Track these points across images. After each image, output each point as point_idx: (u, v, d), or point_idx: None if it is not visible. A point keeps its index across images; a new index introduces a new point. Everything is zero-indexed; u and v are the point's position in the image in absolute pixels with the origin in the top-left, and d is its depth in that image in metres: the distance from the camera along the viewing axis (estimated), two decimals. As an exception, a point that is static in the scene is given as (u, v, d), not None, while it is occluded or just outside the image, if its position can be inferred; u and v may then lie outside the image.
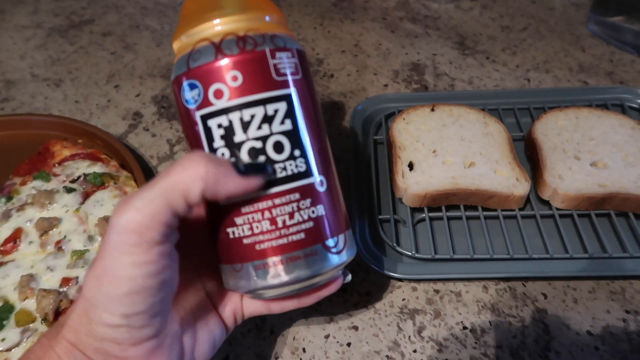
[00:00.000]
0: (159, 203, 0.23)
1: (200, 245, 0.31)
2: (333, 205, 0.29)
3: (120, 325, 0.24)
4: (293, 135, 0.28)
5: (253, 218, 0.27)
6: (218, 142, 0.27)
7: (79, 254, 0.42)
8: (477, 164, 0.46)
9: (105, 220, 0.43)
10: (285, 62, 0.28)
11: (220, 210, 0.28)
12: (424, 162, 0.46)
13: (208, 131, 0.27)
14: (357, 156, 0.50)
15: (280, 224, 0.27)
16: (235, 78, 0.26)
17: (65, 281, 0.40)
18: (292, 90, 0.28)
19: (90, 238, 0.43)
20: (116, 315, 0.23)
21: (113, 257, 0.23)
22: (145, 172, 0.48)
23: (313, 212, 0.28)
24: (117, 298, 0.23)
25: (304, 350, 0.38)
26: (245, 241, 0.27)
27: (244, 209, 0.27)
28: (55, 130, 0.54)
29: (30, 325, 0.38)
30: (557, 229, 0.44)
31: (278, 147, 0.27)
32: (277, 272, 0.27)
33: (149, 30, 0.74)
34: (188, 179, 0.23)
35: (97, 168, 0.48)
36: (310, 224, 0.28)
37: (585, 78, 0.60)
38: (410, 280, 0.42)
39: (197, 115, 0.27)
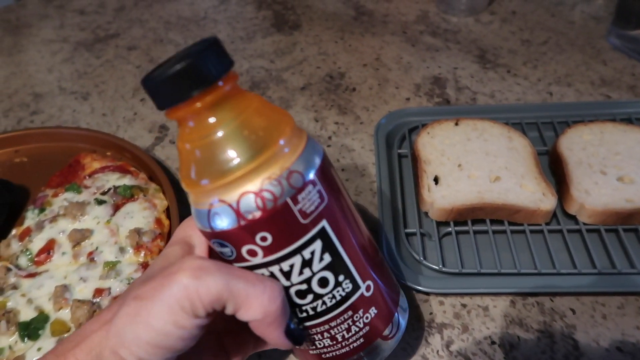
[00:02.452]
0: (224, 295, 0.24)
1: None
2: (383, 297, 0.30)
3: None
4: (335, 265, 0.27)
5: (314, 338, 0.29)
6: None
7: (111, 265, 0.42)
8: (503, 178, 0.46)
9: (137, 232, 0.44)
10: (309, 200, 0.25)
11: None
12: (449, 176, 0.47)
13: None
14: (382, 170, 0.50)
15: (339, 339, 0.29)
16: (264, 239, 0.25)
17: (98, 292, 0.41)
18: (323, 223, 0.26)
19: (122, 249, 0.44)
20: (133, 355, 0.24)
21: (160, 307, 0.24)
22: (172, 185, 0.49)
23: (367, 317, 0.29)
24: (143, 343, 0.24)
25: (332, 363, 0.38)
26: (311, 352, 0.30)
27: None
28: (84, 142, 0.55)
29: (65, 334, 0.39)
30: (584, 244, 0.44)
31: (323, 282, 0.27)
32: None
33: (172, 44, 0.75)
34: (256, 306, 0.25)
35: (127, 180, 0.49)
36: (367, 328, 0.29)
37: (607, 92, 0.60)
38: (437, 294, 0.42)
39: (236, 265, 0.27)
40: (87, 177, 0.50)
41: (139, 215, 0.46)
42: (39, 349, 0.37)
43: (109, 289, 0.41)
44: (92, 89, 0.68)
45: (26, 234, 0.45)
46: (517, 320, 0.40)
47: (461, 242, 0.45)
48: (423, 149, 0.50)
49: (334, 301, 0.27)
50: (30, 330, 0.38)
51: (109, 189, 0.48)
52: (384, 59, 0.69)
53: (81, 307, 0.39)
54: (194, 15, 0.81)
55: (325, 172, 0.27)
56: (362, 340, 0.29)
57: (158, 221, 0.46)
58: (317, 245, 0.26)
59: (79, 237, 0.44)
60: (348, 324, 0.28)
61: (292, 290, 0.27)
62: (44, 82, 0.69)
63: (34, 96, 0.67)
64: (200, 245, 0.28)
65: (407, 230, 0.45)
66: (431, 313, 0.41)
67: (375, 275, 0.29)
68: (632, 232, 0.44)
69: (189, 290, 0.23)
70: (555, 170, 0.49)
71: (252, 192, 0.24)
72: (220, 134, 0.24)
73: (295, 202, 0.25)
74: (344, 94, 0.63)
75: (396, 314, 0.31)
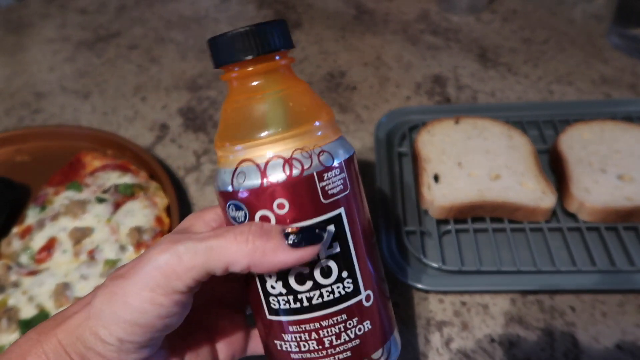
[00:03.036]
0: (200, 261, 0.23)
1: (215, 285, 0.30)
2: (379, 316, 0.29)
3: (111, 344, 0.24)
4: (341, 258, 0.27)
5: (300, 337, 0.27)
6: None
7: (111, 263, 0.43)
8: (503, 176, 0.46)
9: (137, 230, 0.44)
10: (333, 182, 0.26)
11: (269, 322, 0.28)
12: (449, 174, 0.47)
13: None
14: (382, 168, 0.50)
15: (327, 344, 0.27)
16: (281, 206, 0.25)
17: None
18: (341, 210, 0.26)
19: (122, 248, 0.44)
20: (112, 335, 0.24)
21: (136, 285, 0.23)
22: (173, 183, 0.49)
23: (360, 329, 0.27)
24: (121, 322, 0.24)
25: (332, 360, 0.39)
26: (292, 356, 0.28)
27: (291, 328, 0.27)
28: (85, 141, 0.55)
29: (66, 332, 0.39)
30: (584, 242, 0.44)
31: (326, 271, 0.26)
32: None
33: (173, 43, 0.75)
34: (234, 253, 0.24)
35: (128, 179, 0.49)
36: (357, 341, 0.27)
37: (608, 90, 0.60)
38: (437, 292, 0.42)
39: None
40: (88, 176, 0.50)
41: (140, 213, 0.46)
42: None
43: (110, 286, 0.41)
44: (93, 88, 0.68)
45: (27, 232, 0.45)
46: (517, 318, 0.40)
47: (461, 240, 0.45)
48: (423, 147, 0.50)
49: (331, 297, 0.27)
50: (31, 328, 0.38)
51: (110, 188, 0.48)
52: (385, 58, 0.69)
53: (82, 304, 0.39)
54: (195, 14, 0.81)
55: (352, 167, 0.28)
56: (349, 354, 0.27)
57: (158, 219, 0.46)
58: (330, 229, 0.26)
59: (80, 235, 0.44)
60: (339, 328, 0.27)
61: (293, 272, 0.26)
62: (46, 81, 0.70)
63: (35, 95, 0.67)
64: (200, 230, 0.28)
65: (407, 229, 0.45)
66: (431, 311, 0.41)
67: (377, 290, 0.29)
68: (632, 231, 0.44)
69: (163, 267, 0.23)
70: (555, 169, 0.49)
71: (281, 157, 0.25)
72: (265, 98, 0.26)
73: (321, 179, 0.26)
74: (344, 93, 0.63)
75: (389, 341, 0.29)
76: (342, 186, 0.26)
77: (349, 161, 0.27)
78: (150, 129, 0.61)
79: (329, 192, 0.26)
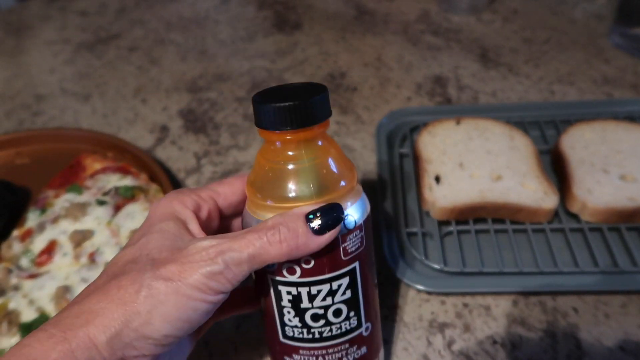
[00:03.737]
0: (245, 268, 0.26)
1: None
2: (373, 342, 0.33)
3: (155, 339, 0.25)
4: (351, 302, 0.30)
5: (308, 357, 0.31)
6: (285, 303, 0.30)
7: (112, 266, 0.42)
8: (505, 177, 0.46)
9: (137, 232, 0.44)
10: (353, 242, 0.29)
11: (282, 343, 0.32)
12: (451, 175, 0.46)
13: (277, 292, 0.30)
14: (383, 169, 0.50)
15: None
16: (308, 262, 0.28)
17: None
18: (356, 264, 0.30)
19: (123, 250, 0.44)
20: (159, 332, 0.25)
21: (188, 287, 0.25)
22: (173, 185, 0.49)
23: (357, 353, 0.32)
24: (172, 319, 0.25)
25: (334, 363, 0.38)
26: None
27: (301, 351, 0.31)
28: (85, 143, 0.55)
29: (66, 336, 0.38)
30: (586, 243, 0.44)
31: (337, 312, 0.30)
32: None
33: (173, 44, 0.75)
34: (274, 257, 0.26)
35: (128, 181, 0.49)
36: None
37: (610, 90, 0.60)
38: (439, 293, 0.42)
39: (269, 277, 0.29)
40: (88, 178, 0.50)
41: (140, 215, 0.46)
42: (40, 350, 0.37)
43: (110, 289, 0.41)
44: (94, 90, 0.68)
45: (27, 235, 0.45)
46: (519, 319, 0.40)
47: (463, 241, 0.45)
48: (424, 148, 0.49)
49: (339, 331, 0.31)
50: (32, 331, 0.38)
51: (110, 190, 0.48)
52: (385, 59, 0.68)
53: (82, 307, 0.39)
54: (195, 15, 0.81)
55: (368, 224, 0.30)
56: None
57: (159, 221, 0.46)
58: (345, 280, 0.29)
59: (80, 238, 0.44)
60: (342, 354, 0.32)
61: (310, 312, 0.30)
62: (46, 83, 0.70)
63: (35, 97, 0.67)
64: (192, 220, 0.29)
65: (409, 230, 0.45)
66: (433, 313, 0.41)
67: (374, 320, 0.33)
68: (634, 231, 0.44)
69: (214, 274, 0.25)
70: (557, 169, 0.49)
71: None
72: (300, 165, 0.28)
73: (344, 240, 0.28)
74: (345, 94, 0.63)
75: (378, 357, 0.34)
76: (359, 244, 0.29)
77: (367, 219, 0.30)
78: (150, 130, 0.61)
79: (349, 250, 0.29)
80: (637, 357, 0.37)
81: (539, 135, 0.53)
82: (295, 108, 0.26)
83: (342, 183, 0.29)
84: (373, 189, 0.50)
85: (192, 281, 0.25)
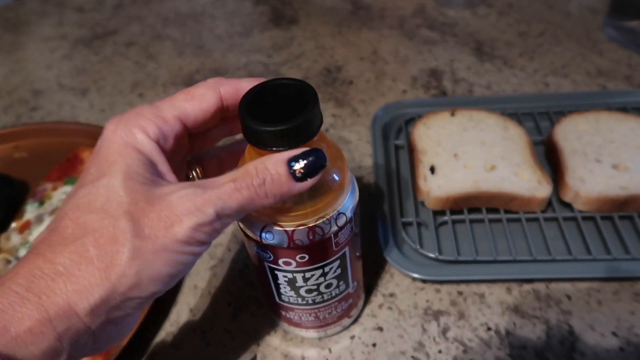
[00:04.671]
0: (231, 220, 0.25)
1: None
2: (358, 292, 0.38)
3: (142, 298, 0.24)
4: (341, 276, 0.33)
5: (302, 314, 0.36)
6: (282, 281, 0.32)
7: (110, 257, 0.43)
8: (499, 167, 0.46)
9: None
10: (344, 234, 0.30)
11: (278, 303, 0.35)
12: (445, 165, 0.47)
13: (274, 275, 0.32)
14: (379, 161, 0.50)
15: (321, 317, 0.36)
16: (303, 257, 0.30)
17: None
18: (346, 250, 0.32)
19: (120, 241, 0.44)
20: (147, 291, 0.24)
21: (176, 242, 0.23)
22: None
23: (344, 306, 0.37)
24: (162, 277, 0.24)
25: (330, 350, 0.39)
26: (294, 321, 0.37)
27: (296, 310, 0.35)
28: (83, 137, 0.56)
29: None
30: (579, 231, 0.44)
31: (328, 285, 0.33)
32: (317, 334, 0.39)
33: (170, 40, 0.75)
34: (259, 205, 0.25)
35: (125, 173, 0.49)
36: (342, 312, 0.37)
37: (604, 82, 0.61)
38: (433, 282, 0.42)
39: (267, 264, 0.31)
40: (86, 171, 0.50)
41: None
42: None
43: (108, 279, 0.41)
44: (91, 85, 0.68)
45: (26, 227, 0.46)
46: (512, 306, 0.41)
47: (457, 230, 0.45)
48: (419, 139, 0.50)
49: (329, 296, 0.34)
50: None
51: (108, 182, 0.49)
52: (381, 53, 0.69)
53: (81, 297, 0.40)
54: (192, 10, 0.81)
55: (357, 210, 0.31)
56: (335, 319, 0.37)
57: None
58: (336, 264, 0.32)
59: (78, 229, 0.44)
60: (331, 309, 0.36)
61: (304, 288, 0.33)
62: (43, 79, 0.70)
63: (33, 92, 0.68)
64: (158, 157, 0.26)
65: (404, 220, 0.46)
66: (427, 301, 0.41)
67: (359, 279, 0.37)
68: (627, 219, 0.44)
69: (203, 226, 0.24)
70: (551, 160, 0.50)
71: (307, 226, 0.28)
72: None
73: (336, 236, 0.30)
74: (341, 87, 0.64)
75: (361, 300, 0.40)
76: (349, 233, 0.31)
77: (356, 208, 0.31)
78: (147, 124, 0.61)
79: (340, 242, 0.31)
80: (629, 343, 0.38)
81: (533, 126, 0.53)
82: (287, 131, 0.25)
83: (336, 190, 0.29)
84: (369, 181, 0.51)
85: (180, 236, 0.23)
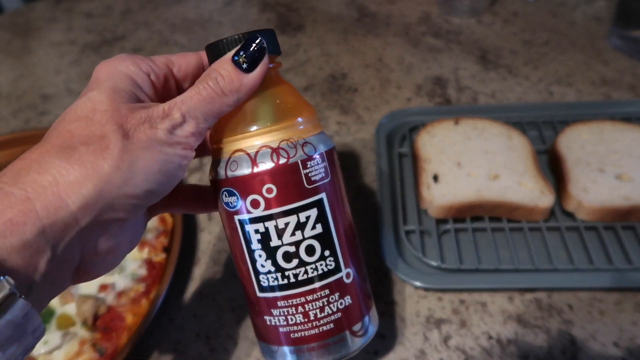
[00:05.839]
0: (200, 122, 0.27)
1: None
2: (359, 291, 0.32)
3: (137, 197, 0.24)
4: (323, 238, 0.30)
5: (288, 312, 0.30)
6: (255, 245, 0.30)
7: (116, 262, 0.43)
8: (502, 176, 0.46)
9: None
10: (316, 170, 0.30)
11: (259, 300, 0.31)
12: (448, 174, 0.47)
13: (245, 235, 0.30)
14: (382, 168, 0.51)
15: (312, 317, 0.30)
16: (270, 190, 0.28)
17: (103, 287, 0.42)
18: (323, 195, 0.30)
19: (126, 246, 0.44)
20: (142, 187, 0.24)
21: (158, 143, 0.25)
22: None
23: (341, 303, 0.31)
24: (154, 173, 0.25)
25: (332, 357, 0.39)
26: (281, 329, 0.31)
27: (280, 303, 0.30)
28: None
29: (71, 329, 0.39)
30: (582, 241, 0.44)
31: (310, 250, 0.30)
32: (310, 356, 0.31)
33: (177, 45, 0.76)
34: (220, 104, 0.27)
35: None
36: (339, 314, 0.31)
37: (608, 91, 0.61)
38: (436, 290, 0.43)
39: (236, 219, 0.30)
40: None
41: (144, 212, 0.47)
42: (45, 342, 0.38)
43: (114, 284, 0.42)
44: (99, 90, 0.69)
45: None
46: (514, 316, 0.41)
47: (460, 239, 0.45)
48: (423, 147, 0.50)
49: (315, 273, 0.30)
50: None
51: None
52: (386, 60, 0.69)
53: (86, 302, 0.40)
54: (199, 17, 0.82)
55: (332, 158, 0.31)
56: (332, 325, 0.31)
57: (162, 218, 0.47)
58: (313, 212, 0.29)
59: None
60: (323, 302, 0.30)
61: (281, 251, 0.29)
62: (52, 84, 0.71)
63: (42, 97, 0.68)
64: (146, 83, 0.28)
65: (407, 228, 0.46)
66: (430, 309, 0.42)
67: (356, 269, 0.32)
68: (630, 230, 0.44)
69: (176, 128, 0.26)
70: (554, 169, 0.50)
71: (270, 147, 0.29)
72: (255, 96, 0.29)
73: (305, 166, 0.29)
74: (346, 95, 0.64)
75: (367, 317, 0.33)
76: (323, 174, 0.30)
77: (329, 152, 0.31)
78: (154, 130, 0.61)
79: (312, 178, 0.29)
80: (631, 353, 0.38)
81: (537, 135, 0.54)
82: (240, 39, 0.29)
83: (298, 116, 0.30)
84: (372, 188, 0.51)
85: (159, 137, 0.25)
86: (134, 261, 0.43)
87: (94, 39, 0.79)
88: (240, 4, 0.85)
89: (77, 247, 0.23)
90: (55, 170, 0.22)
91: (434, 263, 0.43)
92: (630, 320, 0.40)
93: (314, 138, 0.30)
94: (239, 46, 0.28)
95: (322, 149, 0.30)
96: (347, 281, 0.31)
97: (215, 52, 0.29)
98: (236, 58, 0.28)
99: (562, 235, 0.44)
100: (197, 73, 0.31)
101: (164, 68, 0.29)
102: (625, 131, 0.50)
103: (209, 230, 0.49)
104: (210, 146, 0.32)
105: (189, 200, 0.33)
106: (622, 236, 0.44)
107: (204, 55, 0.32)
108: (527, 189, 0.45)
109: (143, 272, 0.43)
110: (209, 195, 0.32)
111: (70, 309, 0.40)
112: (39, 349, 0.38)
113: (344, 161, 0.55)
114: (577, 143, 0.49)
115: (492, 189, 0.45)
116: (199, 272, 0.46)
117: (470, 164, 0.48)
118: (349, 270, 0.31)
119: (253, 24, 0.79)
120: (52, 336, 0.39)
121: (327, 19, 0.79)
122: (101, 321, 0.40)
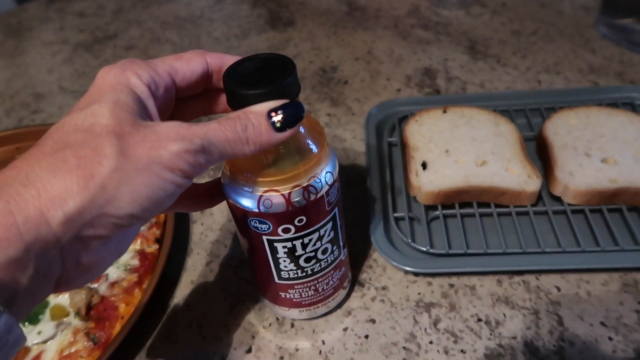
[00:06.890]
0: (213, 157, 0.26)
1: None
2: (348, 260, 0.40)
3: (120, 218, 0.23)
4: (334, 239, 0.35)
5: (302, 290, 0.37)
6: (281, 255, 0.34)
7: (108, 253, 0.44)
8: (489, 162, 0.47)
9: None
10: (333, 193, 0.33)
11: (278, 284, 0.37)
12: (437, 161, 0.48)
13: (273, 248, 0.33)
14: (372, 158, 0.51)
15: (320, 290, 0.38)
16: (301, 220, 0.32)
17: (96, 278, 0.42)
18: (336, 210, 0.34)
19: (119, 238, 0.45)
20: (125, 211, 0.23)
21: (158, 165, 0.23)
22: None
23: (339, 274, 0.39)
24: (141, 199, 0.23)
25: (323, 342, 0.40)
26: (294, 300, 0.38)
27: (296, 286, 0.37)
28: (83, 138, 0.57)
29: (64, 319, 0.40)
30: (569, 224, 0.45)
31: (324, 251, 0.35)
32: (315, 312, 0.40)
33: (169, 43, 0.77)
34: (239, 152, 0.27)
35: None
36: (337, 282, 0.39)
37: (595, 79, 0.61)
38: (425, 274, 0.43)
39: (265, 238, 0.33)
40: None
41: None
42: (39, 333, 0.39)
43: (107, 274, 0.42)
44: (91, 88, 0.69)
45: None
46: (503, 298, 0.41)
47: (449, 224, 0.46)
48: (411, 136, 0.51)
49: (326, 264, 0.36)
50: (30, 314, 0.40)
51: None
52: (376, 53, 0.70)
53: (79, 292, 0.41)
54: (191, 14, 0.83)
55: (338, 172, 0.34)
56: (332, 290, 0.39)
57: (154, 210, 0.47)
58: (329, 225, 0.34)
59: (78, 226, 0.45)
60: (328, 279, 0.38)
61: (303, 257, 0.34)
62: (45, 83, 0.71)
63: (34, 96, 0.69)
64: (149, 98, 0.27)
65: (396, 215, 0.46)
66: (419, 293, 0.42)
67: (345, 243, 0.38)
68: (615, 212, 0.45)
69: (187, 154, 0.24)
70: (542, 155, 0.50)
71: (301, 186, 0.30)
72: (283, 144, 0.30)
73: (327, 195, 0.32)
74: (336, 87, 0.65)
75: (349, 271, 0.42)
76: (337, 193, 0.34)
77: (338, 170, 0.33)
78: (146, 125, 0.62)
79: (331, 201, 0.33)
80: (617, 332, 0.38)
81: (524, 122, 0.54)
82: (269, 93, 0.27)
83: (319, 150, 0.31)
84: (362, 177, 0.51)
85: (164, 159, 0.23)
86: (127, 252, 0.44)
87: (86, 38, 0.80)
88: (231, 0, 0.85)
89: (58, 262, 0.23)
90: (40, 183, 0.21)
91: (423, 248, 0.44)
92: (617, 300, 0.40)
93: (330, 164, 0.32)
94: (279, 104, 0.27)
95: (336, 172, 0.33)
96: (343, 258, 0.38)
97: (243, 95, 0.27)
98: (272, 115, 0.27)
99: (550, 219, 0.45)
100: (201, 82, 0.30)
101: (166, 78, 0.28)
102: (612, 116, 0.50)
103: (202, 222, 0.50)
104: (225, 168, 0.31)
105: (182, 199, 0.32)
106: (608, 218, 0.44)
107: (209, 58, 0.30)
108: (514, 174, 0.46)
109: (136, 262, 0.43)
110: (202, 194, 0.33)
111: (64, 299, 0.41)
112: (33, 339, 0.38)
113: (335, 153, 0.56)
114: (564, 129, 0.50)
115: (480, 174, 0.46)
116: (192, 262, 0.47)
117: (458, 151, 0.48)
118: (345, 249, 0.38)
119: (244, 20, 0.80)
120: (45, 326, 0.39)
121: (317, 13, 0.79)
122: (94, 311, 0.40)
